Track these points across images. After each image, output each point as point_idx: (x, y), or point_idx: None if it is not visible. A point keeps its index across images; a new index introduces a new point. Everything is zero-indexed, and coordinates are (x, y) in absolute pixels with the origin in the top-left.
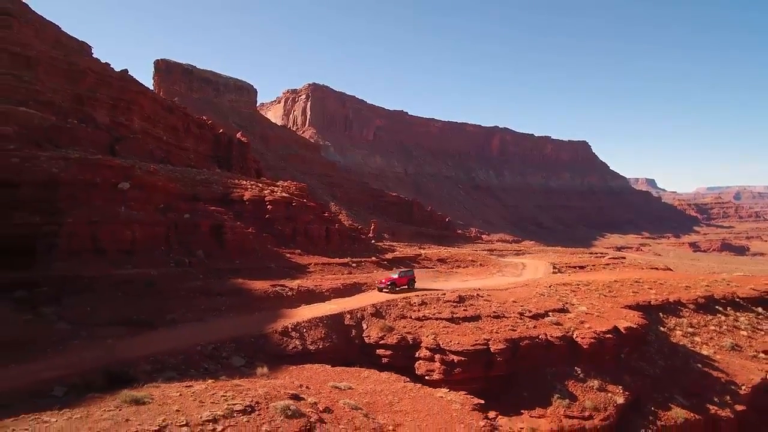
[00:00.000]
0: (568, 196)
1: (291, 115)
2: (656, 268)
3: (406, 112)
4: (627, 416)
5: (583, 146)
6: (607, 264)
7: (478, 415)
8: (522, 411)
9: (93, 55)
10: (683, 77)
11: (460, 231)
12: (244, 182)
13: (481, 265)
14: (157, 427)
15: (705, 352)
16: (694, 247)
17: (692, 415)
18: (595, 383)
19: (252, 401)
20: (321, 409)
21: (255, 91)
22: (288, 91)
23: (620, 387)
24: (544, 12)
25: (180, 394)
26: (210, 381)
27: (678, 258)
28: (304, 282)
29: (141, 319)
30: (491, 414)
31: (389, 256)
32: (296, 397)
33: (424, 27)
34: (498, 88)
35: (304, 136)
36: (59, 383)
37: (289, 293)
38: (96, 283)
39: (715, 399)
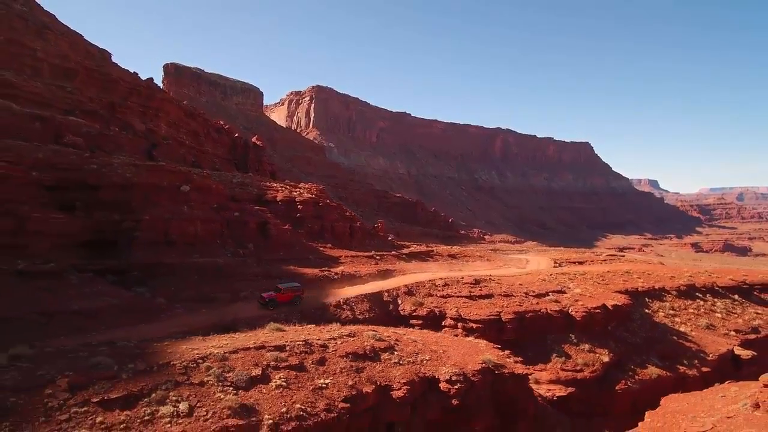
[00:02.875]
0: (570, 197)
1: (295, 117)
2: (649, 264)
3: (409, 114)
4: (611, 372)
5: (586, 147)
6: (605, 260)
7: (498, 350)
8: (528, 366)
9: (113, 62)
10: (686, 77)
11: (463, 231)
12: (275, 185)
13: (488, 260)
14: (303, 339)
15: (682, 330)
16: (696, 247)
17: (664, 372)
18: (586, 347)
19: (350, 332)
20: (393, 339)
21: (261, 94)
22: (292, 93)
23: (606, 350)
24: (546, 13)
25: (303, 328)
26: (312, 326)
27: (680, 258)
28: (345, 269)
29: (219, 296)
30: (506, 352)
31: (406, 251)
32: (375, 332)
33: (427, 28)
34: (500, 89)
35: (308, 137)
36: (190, 334)
37: (335, 276)
38: (174, 269)
39: (685, 362)
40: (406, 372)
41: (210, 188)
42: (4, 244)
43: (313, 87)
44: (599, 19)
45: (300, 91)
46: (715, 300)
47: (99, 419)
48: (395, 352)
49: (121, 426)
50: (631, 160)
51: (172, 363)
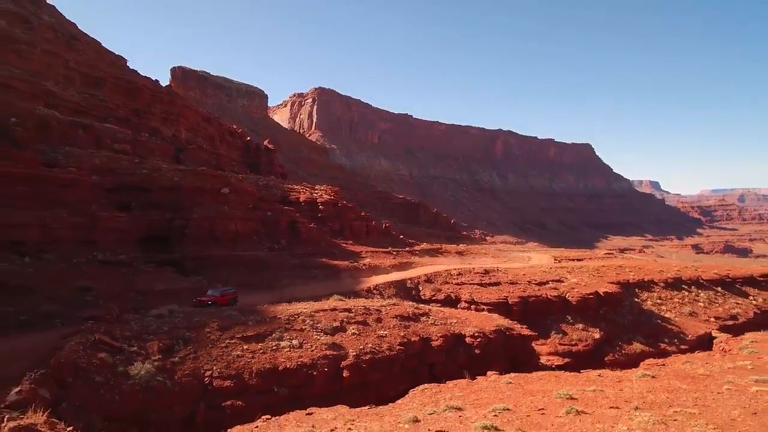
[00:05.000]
0: (571, 199)
1: (297, 119)
2: (640, 260)
3: (411, 115)
4: (601, 346)
5: (587, 148)
6: (602, 258)
7: (508, 320)
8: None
9: (130, 69)
10: (688, 78)
11: (465, 232)
12: (296, 187)
13: (493, 256)
14: (363, 304)
15: (667, 316)
16: (697, 249)
17: (647, 348)
18: (580, 326)
19: (394, 302)
20: (427, 309)
21: (266, 96)
22: (294, 95)
23: (598, 329)
24: (546, 15)
25: (358, 300)
26: (362, 299)
27: (680, 259)
28: (370, 261)
29: (265, 284)
30: (514, 321)
31: (418, 248)
32: (413, 303)
33: (428, 30)
34: (501, 91)
35: (310, 139)
36: None
37: (363, 267)
38: (222, 261)
39: (666, 340)
40: (440, 329)
41: (246, 190)
42: (81, 240)
43: (315, 89)
44: (600, 17)
45: (302, 93)
46: (699, 291)
47: (245, 347)
48: (430, 317)
49: (260, 351)
50: (632, 161)
51: (278, 317)
